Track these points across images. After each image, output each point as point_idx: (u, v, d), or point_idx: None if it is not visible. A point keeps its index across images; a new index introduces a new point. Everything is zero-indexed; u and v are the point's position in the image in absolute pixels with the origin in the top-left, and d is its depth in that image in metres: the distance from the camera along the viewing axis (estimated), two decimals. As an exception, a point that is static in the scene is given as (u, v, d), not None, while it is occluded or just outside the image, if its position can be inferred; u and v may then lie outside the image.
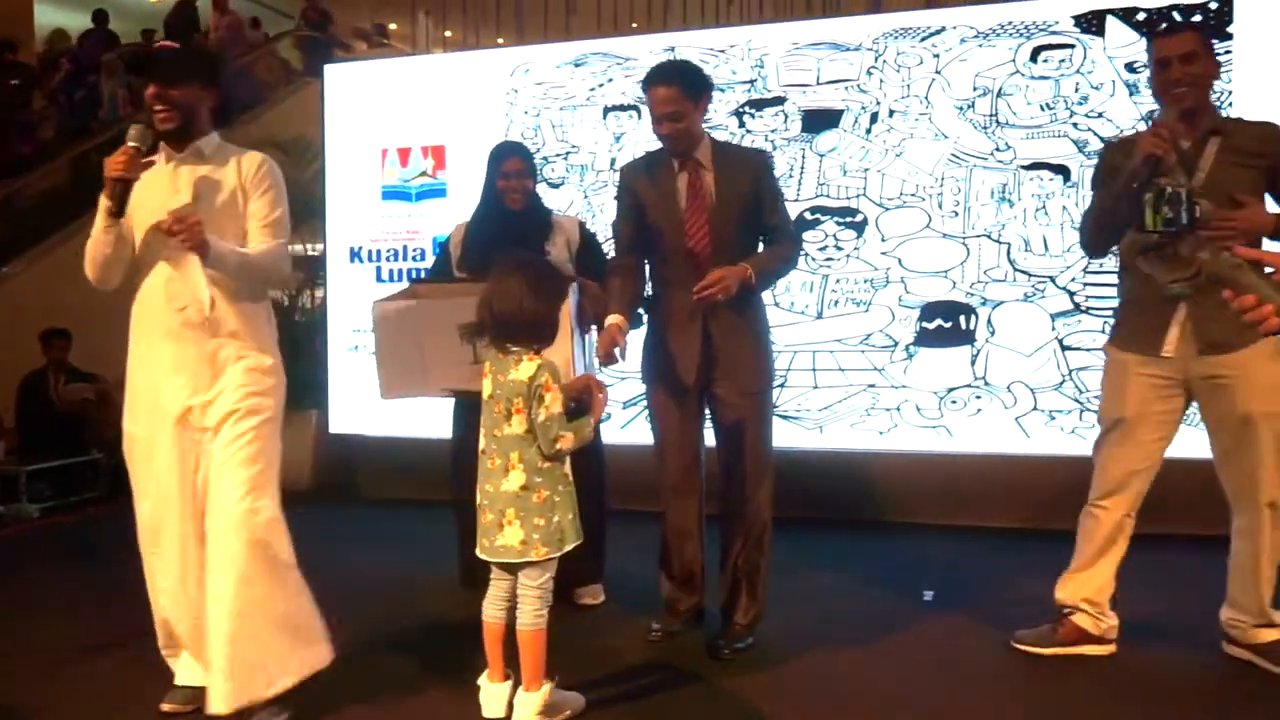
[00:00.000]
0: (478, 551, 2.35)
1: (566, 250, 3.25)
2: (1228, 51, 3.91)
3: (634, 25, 7.89)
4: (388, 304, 3.14)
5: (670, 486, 2.93)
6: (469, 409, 3.27)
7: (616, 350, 2.68)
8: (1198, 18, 3.94)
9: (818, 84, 4.40)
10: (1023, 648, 2.77)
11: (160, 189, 2.38)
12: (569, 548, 2.30)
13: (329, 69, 5.20)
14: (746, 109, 4.47)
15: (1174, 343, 2.55)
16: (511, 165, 3.25)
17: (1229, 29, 3.91)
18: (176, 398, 2.39)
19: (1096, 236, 2.70)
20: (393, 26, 12.47)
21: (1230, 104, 3.90)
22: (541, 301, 2.29)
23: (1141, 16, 4.01)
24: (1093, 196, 2.79)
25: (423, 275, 4.72)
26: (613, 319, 2.77)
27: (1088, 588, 2.71)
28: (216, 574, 2.30)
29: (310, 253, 5.86)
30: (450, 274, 3.35)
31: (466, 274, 3.26)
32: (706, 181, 2.79)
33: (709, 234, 2.77)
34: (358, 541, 4.36)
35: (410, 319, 3.07)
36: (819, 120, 4.38)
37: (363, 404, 4.82)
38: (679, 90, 2.74)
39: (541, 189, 4.64)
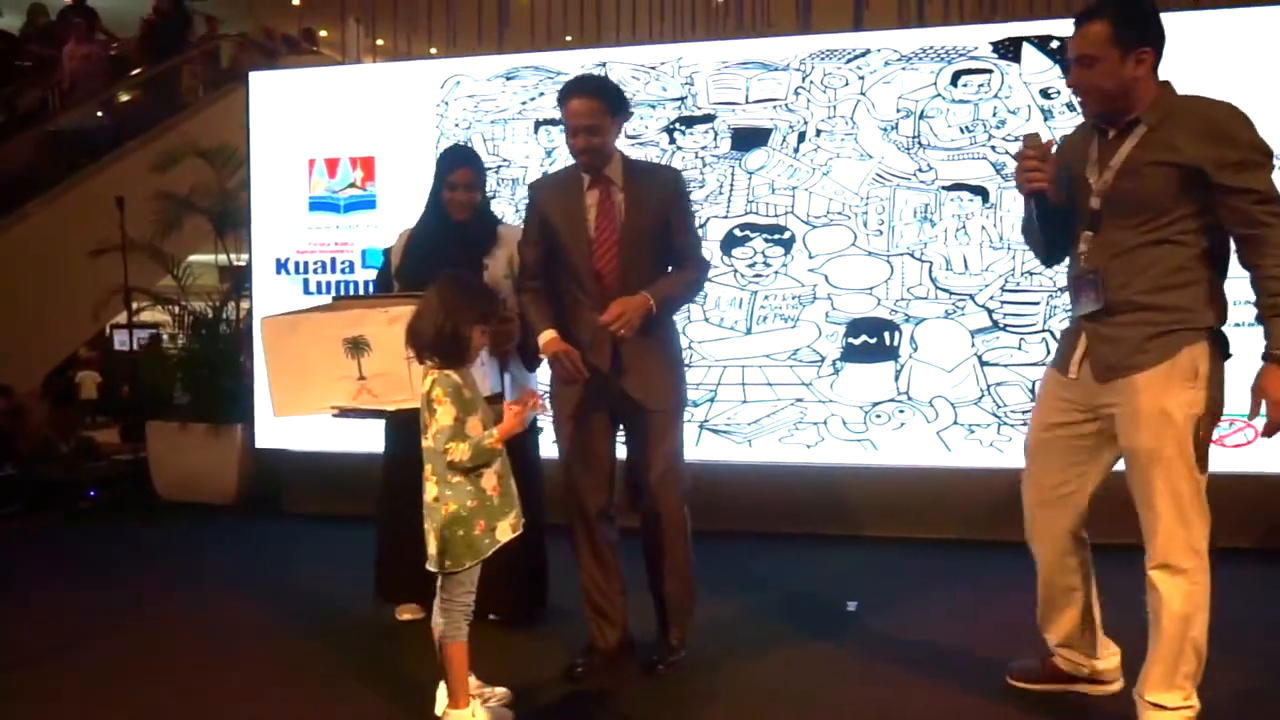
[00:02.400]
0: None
1: (508, 266, 3.14)
2: (1135, 80, 4.09)
3: (568, 39, 7.92)
4: (274, 319, 3.09)
5: (577, 516, 2.82)
6: (400, 425, 3.24)
7: (569, 363, 2.65)
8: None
9: (747, 102, 4.47)
10: (1017, 684, 2.60)
11: None
12: (469, 563, 2.30)
13: (254, 76, 5.11)
14: (677, 126, 4.52)
15: (1077, 365, 2.35)
16: (460, 176, 3.13)
17: (1136, 59, 4.09)
18: None
19: (1037, 248, 2.51)
20: (323, 33, 12.30)
21: (1137, 130, 4.08)
22: (449, 321, 2.29)
23: (1055, 45, 4.17)
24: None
25: (352, 287, 4.71)
26: (546, 335, 2.71)
27: (1056, 628, 2.52)
28: None
29: (235, 263, 5.74)
30: (390, 283, 3.27)
31: (403, 285, 3.19)
32: (617, 200, 2.73)
33: (617, 255, 2.70)
34: (282, 556, 4.28)
35: (297, 333, 2.99)
36: (748, 138, 4.45)
37: (288, 419, 4.73)
38: (600, 104, 2.67)
39: (472, 202, 4.67)
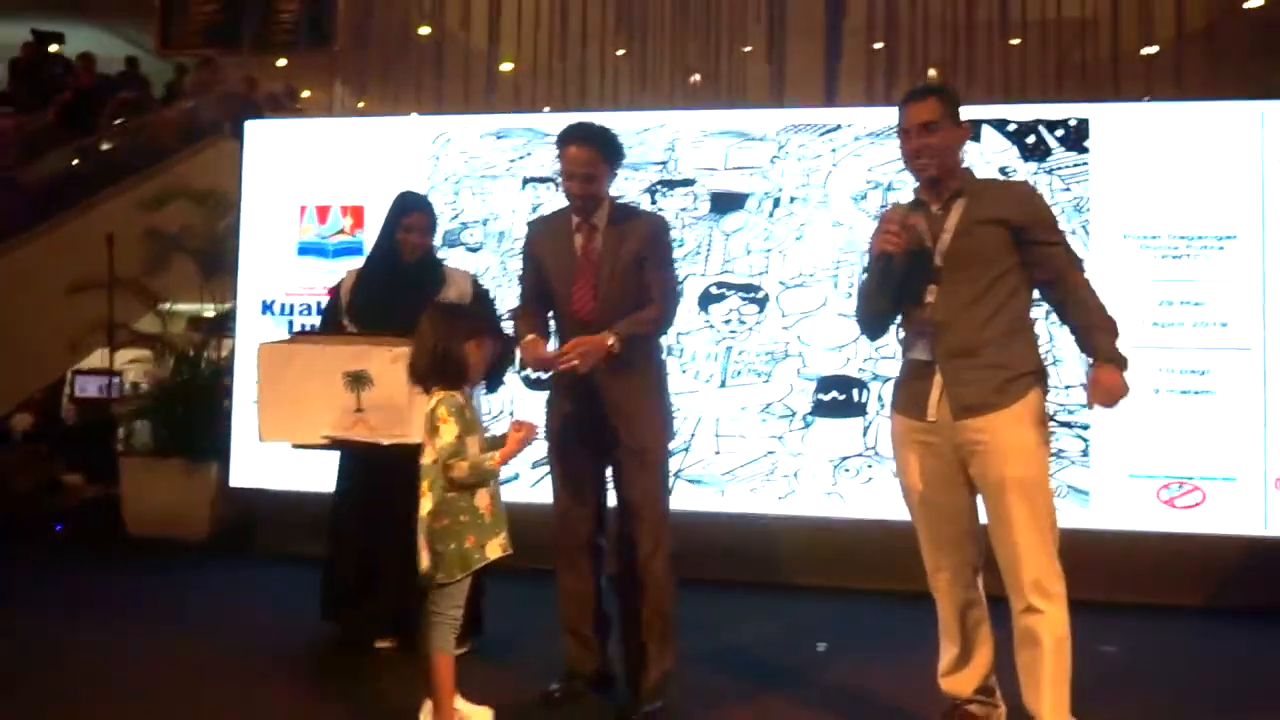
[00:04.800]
0: None
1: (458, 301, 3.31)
2: (1085, 164, 4.39)
3: (545, 109, 8.20)
4: (273, 346, 3.18)
5: (564, 545, 2.91)
6: (355, 463, 3.33)
7: (542, 353, 2.71)
8: (1060, 131, 4.43)
9: (725, 169, 4.70)
10: None
11: None
12: (459, 576, 2.40)
13: (250, 125, 5.26)
14: (658, 188, 4.74)
15: (934, 407, 2.50)
16: (416, 220, 3.31)
17: (1086, 144, 4.40)
18: None
19: (868, 319, 2.73)
20: (305, 94, 12.54)
21: (1088, 209, 4.37)
22: (440, 343, 2.43)
23: (1012, 127, 4.47)
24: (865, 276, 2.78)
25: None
26: (529, 337, 2.79)
27: (975, 679, 2.60)
28: None
29: (208, 313, 5.81)
30: (339, 323, 3.38)
31: (357, 324, 3.30)
32: (597, 245, 2.83)
33: (594, 298, 2.80)
34: (252, 595, 4.28)
35: (295, 363, 3.08)
36: (726, 202, 4.67)
37: (265, 456, 4.77)
38: (597, 153, 2.78)
39: (459, 253, 4.83)
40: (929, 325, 2.53)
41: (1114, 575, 4.23)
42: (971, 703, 2.60)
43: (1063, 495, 4.27)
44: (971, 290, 2.48)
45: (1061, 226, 2.65)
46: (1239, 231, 4.28)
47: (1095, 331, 2.46)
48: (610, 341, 2.67)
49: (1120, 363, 2.42)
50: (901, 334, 2.72)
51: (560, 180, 2.87)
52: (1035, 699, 2.42)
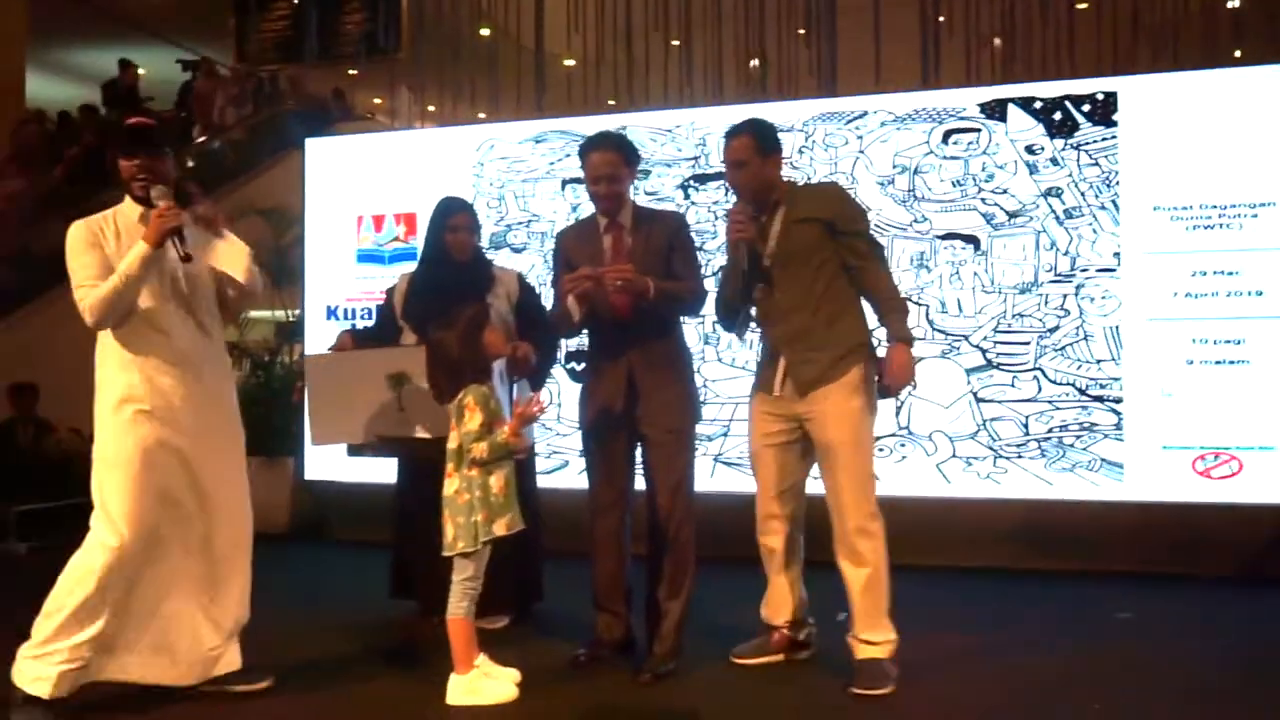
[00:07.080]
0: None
1: (507, 301, 3.57)
2: (1113, 137, 4.40)
3: (611, 102, 8.40)
4: (317, 355, 3.48)
5: (598, 530, 3.16)
6: (412, 459, 3.61)
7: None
8: (1087, 106, 4.44)
9: (756, 161, 4.84)
10: (741, 661, 3.14)
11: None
12: (480, 544, 2.66)
13: (310, 142, 5.63)
14: (691, 183, 4.91)
15: (780, 385, 2.97)
16: (460, 220, 3.55)
17: (1114, 117, 4.40)
18: None
19: (724, 314, 3.16)
20: (376, 100, 13.02)
21: (1117, 183, 4.38)
22: (469, 350, 2.71)
23: (1038, 105, 4.50)
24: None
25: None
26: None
27: (785, 610, 3.11)
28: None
29: (290, 318, 6.19)
30: (394, 322, 3.64)
31: (409, 322, 3.56)
32: (627, 242, 3.10)
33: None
34: (331, 577, 4.65)
35: (339, 369, 3.37)
36: (757, 193, 4.82)
37: (335, 452, 5.11)
38: (619, 155, 3.08)
39: (504, 254, 5.09)
40: (769, 317, 2.97)
41: (1148, 546, 4.28)
42: (784, 628, 3.12)
43: (1096, 469, 4.33)
44: (799, 282, 2.92)
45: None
46: (1274, 198, 4.24)
47: (888, 314, 2.93)
48: (649, 285, 2.96)
49: (909, 341, 2.90)
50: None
51: (587, 186, 3.14)
52: (851, 617, 2.92)
